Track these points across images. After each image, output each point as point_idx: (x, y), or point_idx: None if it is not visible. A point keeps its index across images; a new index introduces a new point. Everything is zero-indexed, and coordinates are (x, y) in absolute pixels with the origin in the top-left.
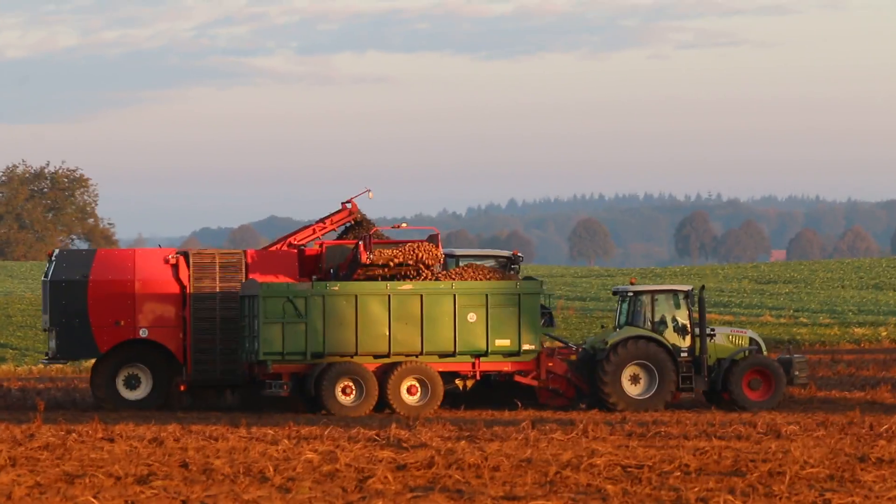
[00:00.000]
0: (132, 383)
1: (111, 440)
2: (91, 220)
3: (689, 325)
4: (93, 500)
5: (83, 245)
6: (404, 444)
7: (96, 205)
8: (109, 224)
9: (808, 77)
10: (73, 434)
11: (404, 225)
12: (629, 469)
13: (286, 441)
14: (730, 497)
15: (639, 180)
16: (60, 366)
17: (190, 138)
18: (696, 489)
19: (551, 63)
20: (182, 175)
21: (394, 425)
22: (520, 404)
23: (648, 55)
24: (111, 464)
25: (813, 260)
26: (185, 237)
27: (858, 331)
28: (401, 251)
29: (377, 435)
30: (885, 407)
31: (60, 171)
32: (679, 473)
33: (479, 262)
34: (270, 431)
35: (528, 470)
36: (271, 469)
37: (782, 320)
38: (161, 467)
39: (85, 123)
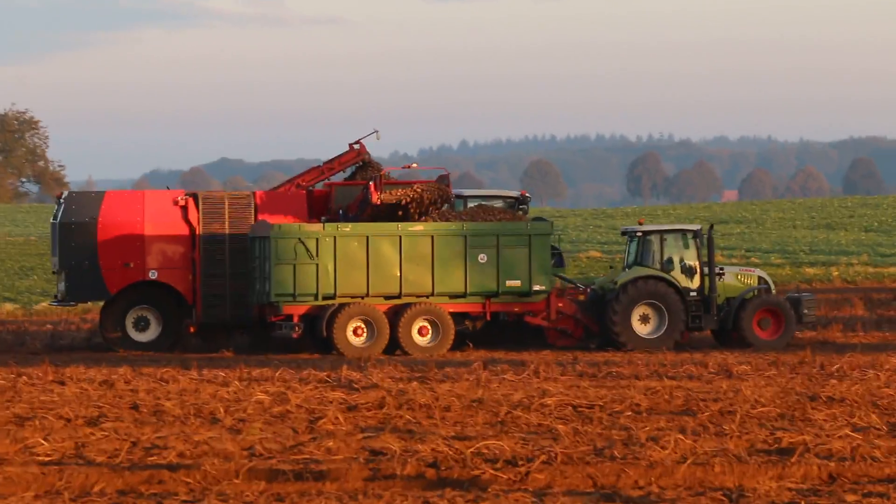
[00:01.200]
0: (141, 325)
1: (62, 383)
2: (41, 163)
3: (697, 265)
4: (43, 441)
5: (33, 188)
6: (355, 386)
7: (47, 147)
8: (60, 167)
9: (757, 18)
10: (24, 377)
11: (414, 165)
12: (580, 409)
13: (237, 383)
14: (680, 436)
15: (590, 121)
16: (10, 307)
17: (140, 80)
18: (646, 428)
19: (506, 4)
20: (133, 117)
21: (345, 367)
22: (471, 345)
23: None
24: (61, 406)
25: (765, 200)
26: (135, 179)
27: (810, 270)
28: (411, 191)
29: (328, 376)
30: (836, 346)
31: (10, 113)
32: (630, 413)
33: (486, 203)
34: (221, 373)
35: (479, 410)
36: (222, 410)
37: (734, 260)
38: (111, 409)
39: (35, 65)
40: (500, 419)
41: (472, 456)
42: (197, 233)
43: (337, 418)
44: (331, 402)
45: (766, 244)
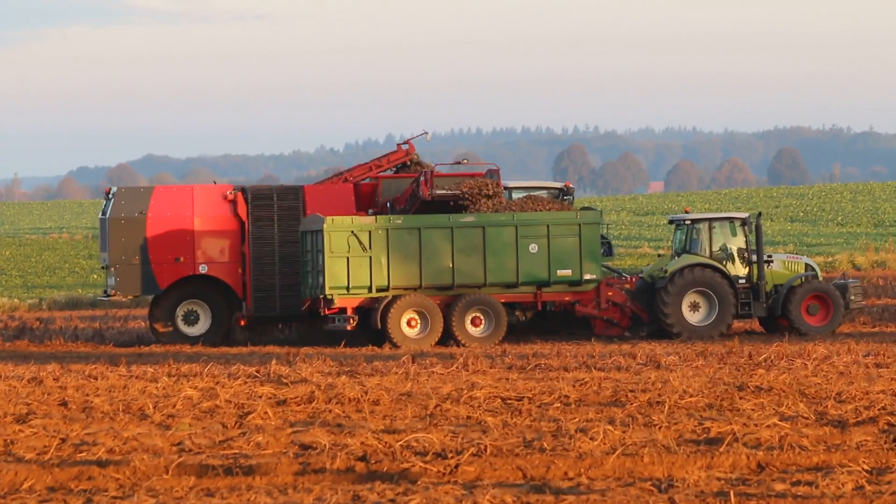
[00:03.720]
0: (191, 319)
1: None
2: None
3: (746, 252)
4: None
5: None
6: (284, 380)
7: None
8: None
9: (679, 10)
10: None
11: (465, 161)
12: (509, 401)
13: (166, 378)
14: (609, 427)
15: (516, 114)
16: None
17: (66, 77)
18: (575, 420)
19: None
20: (58, 114)
21: (274, 361)
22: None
23: None
24: None
25: (690, 191)
26: (61, 176)
27: None
28: (462, 186)
29: (257, 371)
30: (763, 336)
31: None
32: (559, 405)
33: (533, 194)
34: (150, 369)
35: (408, 403)
36: (151, 406)
37: (661, 251)
38: (40, 406)
39: None
40: (429, 412)
41: (402, 449)
42: (246, 227)
43: (266, 413)
44: (260, 397)
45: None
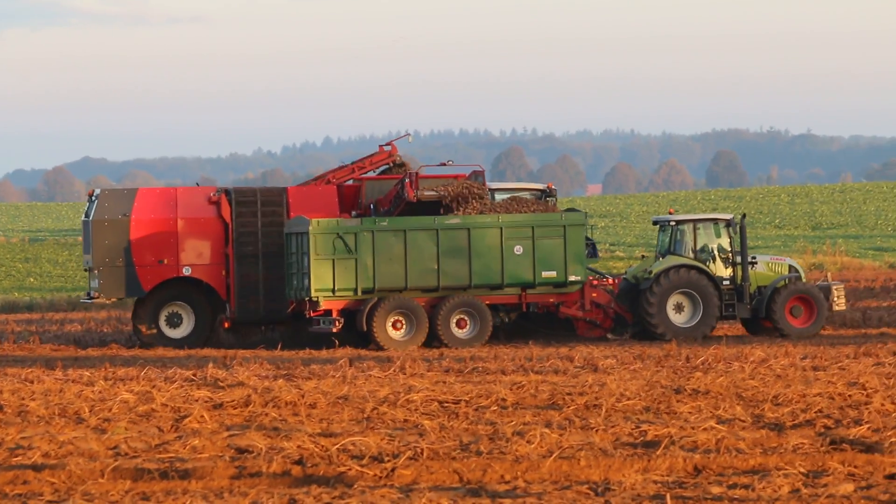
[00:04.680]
0: (174, 321)
1: None
2: None
3: (730, 254)
4: None
5: None
6: (221, 384)
7: None
8: None
9: (617, 13)
10: None
11: (450, 162)
12: (446, 404)
13: (102, 382)
14: (546, 430)
15: (454, 116)
16: None
17: (2, 80)
18: (512, 423)
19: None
20: None
21: (210, 365)
22: (337, 342)
23: None
24: None
25: (628, 194)
26: None
27: None
28: (446, 188)
29: (194, 375)
30: (701, 339)
31: None
32: (496, 408)
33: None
34: (86, 373)
35: (345, 407)
36: (87, 410)
37: (599, 254)
38: None
39: None
40: (366, 415)
41: (338, 452)
42: (230, 228)
43: (202, 417)
44: (196, 401)
45: (631, 238)
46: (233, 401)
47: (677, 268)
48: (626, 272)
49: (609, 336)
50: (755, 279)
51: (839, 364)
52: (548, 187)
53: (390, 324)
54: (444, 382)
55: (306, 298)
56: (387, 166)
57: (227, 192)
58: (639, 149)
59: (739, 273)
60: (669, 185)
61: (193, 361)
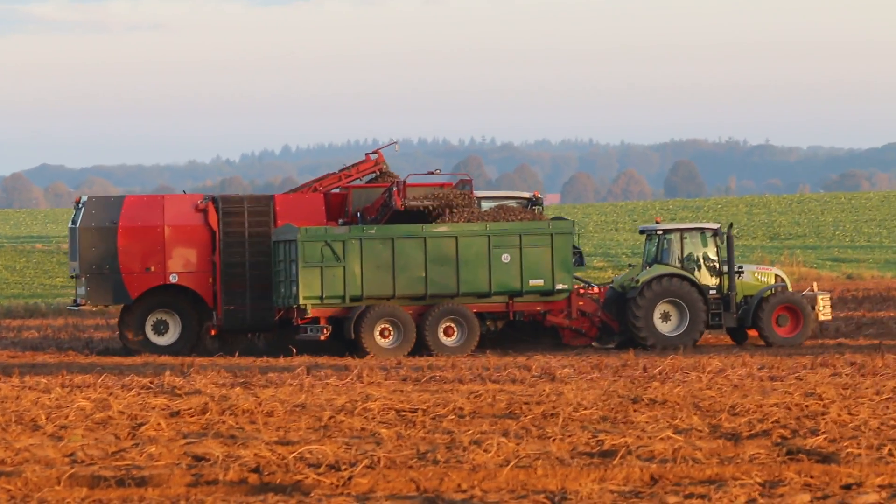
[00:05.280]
0: (161, 329)
1: None
2: None
3: (717, 263)
4: None
5: None
6: (178, 392)
7: None
8: None
9: (579, 25)
10: None
11: (438, 171)
12: (403, 413)
13: (59, 389)
14: (503, 439)
15: (413, 125)
16: None
17: None
18: (469, 432)
19: (327, 9)
20: None
21: (168, 372)
22: (294, 350)
23: (424, 0)
24: None
25: (587, 203)
26: None
27: None
28: (433, 197)
29: (151, 382)
30: (658, 349)
31: None
32: (453, 417)
33: (502, 204)
34: (43, 380)
35: (303, 415)
36: (43, 417)
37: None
38: None
39: None
40: (323, 424)
41: (295, 461)
42: (217, 236)
43: (159, 424)
44: (153, 408)
45: (589, 247)
46: (190, 408)
47: (664, 277)
48: (612, 281)
49: (594, 344)
50: (741, 288)
51: (796, 374)
52: (534, 196)
53: (378, 332)
54: (402, 391)
55: (294, 306)
56: (373, 174)
57: (214, 199)
58: (597, 158)
59: (726, 282)
60: (628, 194)
61: (150, 369)
